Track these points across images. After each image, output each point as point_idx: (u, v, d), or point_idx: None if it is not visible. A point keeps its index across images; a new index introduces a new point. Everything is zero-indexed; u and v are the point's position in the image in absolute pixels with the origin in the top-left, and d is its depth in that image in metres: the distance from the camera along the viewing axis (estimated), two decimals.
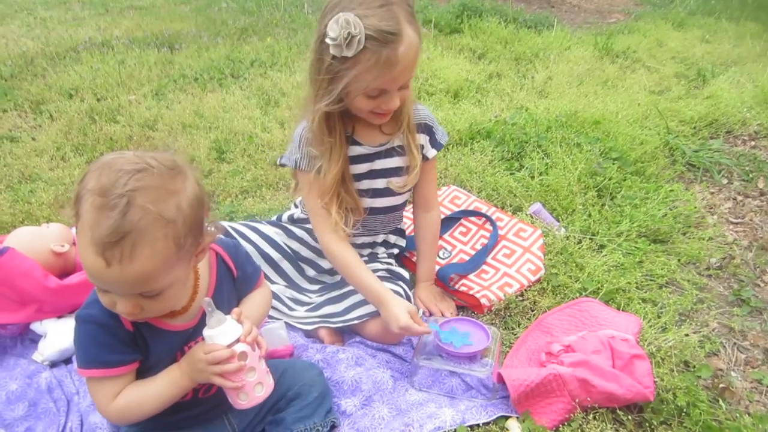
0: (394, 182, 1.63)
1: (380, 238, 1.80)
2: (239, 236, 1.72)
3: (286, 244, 1.77)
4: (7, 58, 4.11)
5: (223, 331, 1.06)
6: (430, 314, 1.74)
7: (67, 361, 1.58)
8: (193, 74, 3.77)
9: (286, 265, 1.76)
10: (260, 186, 2.47)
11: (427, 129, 1.65)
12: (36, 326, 1.59)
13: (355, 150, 1.58)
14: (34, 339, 1.63)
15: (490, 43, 4.44)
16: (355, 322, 1.60)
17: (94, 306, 1.06)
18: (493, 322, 1.71)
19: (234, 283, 1.25)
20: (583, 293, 1.74)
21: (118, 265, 0.90)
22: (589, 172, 2.33)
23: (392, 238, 1.84)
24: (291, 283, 1.77)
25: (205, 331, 1.07)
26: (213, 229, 1.10)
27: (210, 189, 2.44)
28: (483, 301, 1.72)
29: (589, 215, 2.12)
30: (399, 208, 1.75)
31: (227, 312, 1.11)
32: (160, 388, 1.11)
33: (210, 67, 3.87)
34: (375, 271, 1.70)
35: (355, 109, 1.45)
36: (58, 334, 1.57)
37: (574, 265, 1.86)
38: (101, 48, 4.36)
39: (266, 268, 1.74)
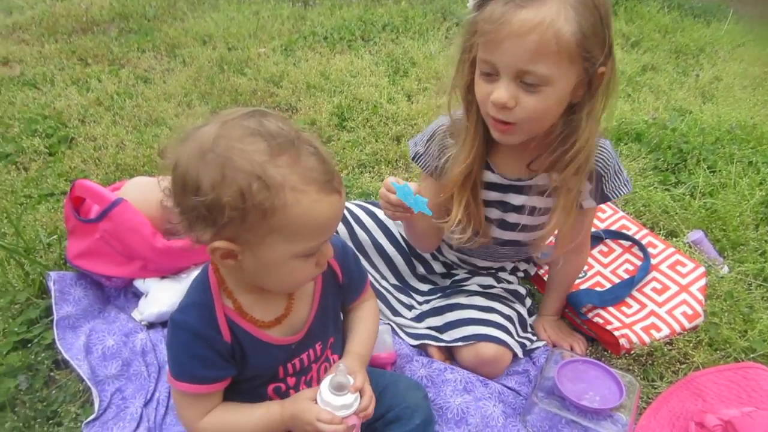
0: (528, 220, 1.36)
1: (509, 266, 1.58)
2: (353, 219, 1.57)
3: (401, 236, 1.60)
4: None
5: (344, 404, 0.96)
6: (554, 346, 1.50)
7: (164, 323, 1.52)
8: (323, 32, 3.65)
9: (398, 260, 1.59)
10: (379, 161, 2.31)
11: (596, 177, 1.27)
12: (139, 283, 1.55)
13: (487, 176, 1.31)
14: (137, 294, 1.59)
15: (648, 31, 3.96)
16: (451, 345, 1.41)
17: (190, 311, 0.96)
18: (630, 368, 1.44)
19: (339, 289, 1.12)
20: (750, 355, 1.43)
21: None
22: (767, 202, 1.94)
23: (522, 266, 1.61)
24: (400, 280, 1.60)
25: (325, 394, 0.96)
26: None
27: None
28: (622, 341, 1.45)
29: (763, 255, 1.76)
30: (520, 245, 1.46)
31: (331, 319, 1.07)
32: (252, 423, 1.00)
33: (341, 27, 3.73)
34: (489, 287, 1.49)
35: (480, 107, 1.16)
36: (158, 295, 1.51)
37: (740, 316, 1.53)
38: None
39: (377, 260, 1.58)
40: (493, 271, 1.55)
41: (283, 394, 1.06)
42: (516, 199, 1.33)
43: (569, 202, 1.25)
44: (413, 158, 1.38)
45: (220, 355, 0.95)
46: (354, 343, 1.14)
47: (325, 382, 0.97)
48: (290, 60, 3.25)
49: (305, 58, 3.27)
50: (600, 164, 1.25)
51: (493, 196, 1.34)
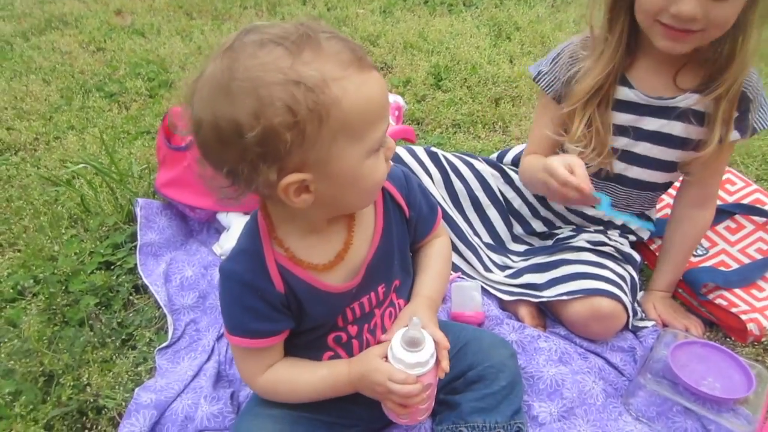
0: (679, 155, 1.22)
1: (620, 221, 1.40)
2: (450, 168, 1.44)
3: (500, 190, 1.46)
4: None
5: (418, 361, 0.85)
6: (664, 326, 1.31)
7: None
8: None
9: (493, 215, 1.45)
10: (475, 122, 2.17)
11: (743, 102, 1.15)
12: (222, 217, 1.51)
13: (623, 93, 1.19)
14: (219, 229, 1.56)
15: None
16: (554, 299, 1.25)
17: (239, 259, 0.86)
18: (760, 358, 1.23)
19: (406, 225, 0.99)
20: None
21: None
22: None
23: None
24: (495, 238, 1.46)
25: (397, 350, 0.85)
26: None
27: (420, 116, 2.20)
28: (750, 327, 1.24)
29: None
30: (657, 188, 1.32)
31: (397, 259, 0.94)
32: (316, 382, 0.91)
33: None
34: (600, 243, 1.32)
35: (641, 14, 1.07)
36: (240, 230, 1.46)
37: None
38: None
39: (472, 214, 1.45)
40: (601, 228, 1.38)
41: (345, 345, 0.96)
42: (652, 124, 1.20)
43: (715, 130, 1.13)
44: (535, 78, 1.28)
45: (273, 306, 0.86)
46: (422, 284, 1.01)
47: (397, 337, 0.86)
48: (388, 21, 3.15)
49: (404, 20, 3.15)
50: (748, 88, 1.13)
51: (625, 119, 1.21)
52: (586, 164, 1.18)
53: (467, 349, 1.04)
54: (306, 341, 0.94)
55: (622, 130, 1.22)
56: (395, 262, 0.97)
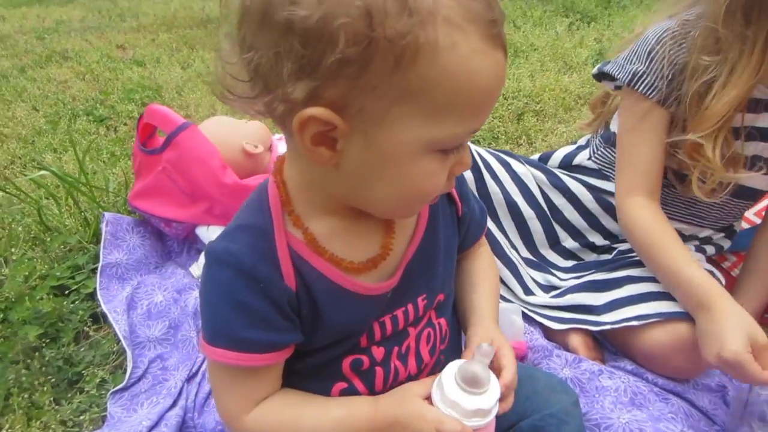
0: None
1: (704, 233, 1.14)
2: (484, 165, 1.18)
3: (545, 196, 1.19)
4: None
5: (480, 408, 0.58)
6: None
7: None
8: None
9: (535, 226, 1.18)
10: (497, 137, 1.95)
11: None
12: (202, 231, 1.26)
13: None
14: (201, 249, 1.31)
15: None
16: (620, 325, 0.97)
17: (236, 236, 0.60)
18: None
19: (457, 224, 0.74)
20: None
21: None
22: None
23: (716, 236, 1.17)
24: (534, 252, 1.19)
25: (451, 389, 0.59)
26: None
27: None
28: None
29: None
30: (757, 196, 1.08)
31: (443, 266, 0.70)
32: (329, 425, 0.62)
33: None
34: None
35: None
36: None
37: None
38: None
39: (508, 223, 1.18)
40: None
41: (365, 374, 0.67)
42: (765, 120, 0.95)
43: None
44: (630, 81, 0.98)
45: (279, 307, 0.59)
46: (484, 306, 0.76)
47: (450, 371, 0.60)
48: None
49: None
50: None
51: (739, 119, 0.95)
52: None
53: (518, 393, 0.76)
54: (312, 366, 0.66)
55: (735, 133, 0.96)
56: (440, 268, 0.71)
